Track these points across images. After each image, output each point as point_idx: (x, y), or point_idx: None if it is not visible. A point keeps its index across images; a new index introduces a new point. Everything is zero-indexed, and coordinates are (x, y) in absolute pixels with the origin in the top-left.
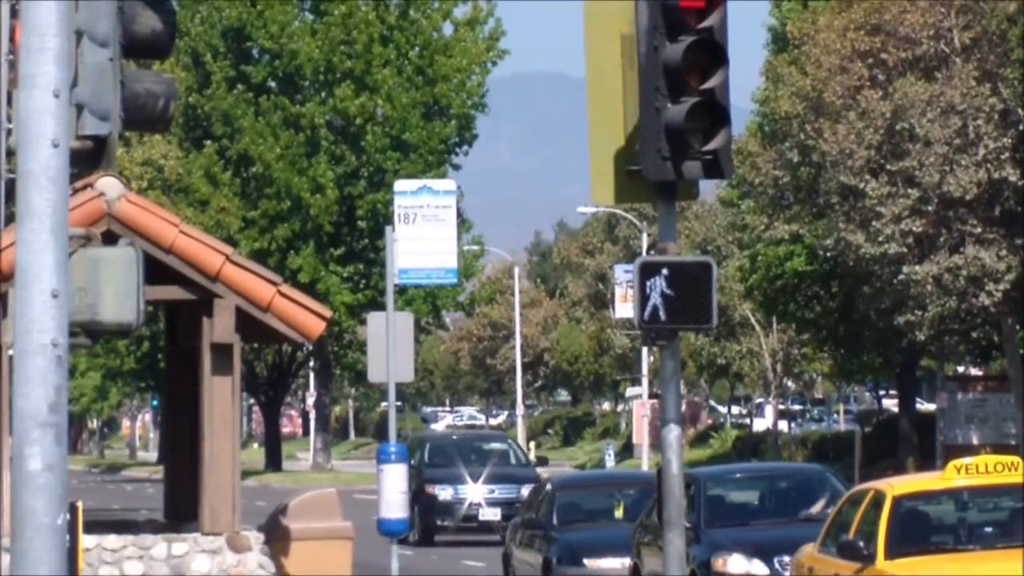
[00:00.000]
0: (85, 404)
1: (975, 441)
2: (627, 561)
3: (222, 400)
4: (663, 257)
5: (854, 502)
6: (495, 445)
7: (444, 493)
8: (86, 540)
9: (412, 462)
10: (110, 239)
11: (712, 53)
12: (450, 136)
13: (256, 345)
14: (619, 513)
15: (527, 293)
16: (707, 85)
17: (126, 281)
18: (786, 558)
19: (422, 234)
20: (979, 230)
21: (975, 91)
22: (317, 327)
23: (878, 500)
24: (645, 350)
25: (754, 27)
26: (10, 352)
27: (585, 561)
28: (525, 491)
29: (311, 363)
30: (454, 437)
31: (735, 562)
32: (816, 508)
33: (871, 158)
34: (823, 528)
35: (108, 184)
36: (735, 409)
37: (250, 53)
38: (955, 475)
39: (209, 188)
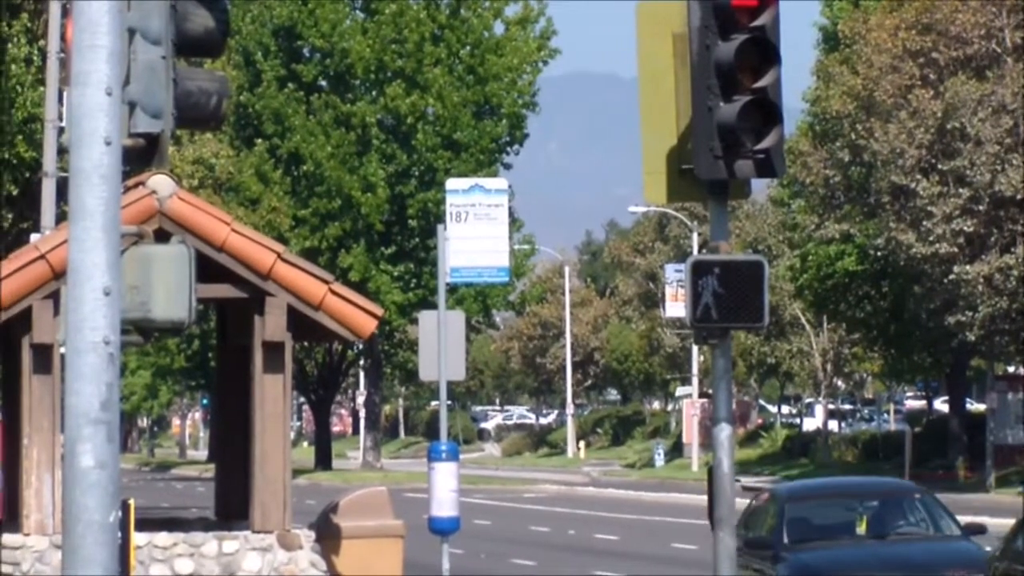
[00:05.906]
0: (135, 403)
1: None
2: None
3: (273, 398)
4: (715, 256)
5: None
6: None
7: None
8: (137, 538)
9: None
10: (162, 237)
11: (764, 51)
12: (501, 135)
13: (307, 343)
14: (861, 529)
15: (577, 292)
16: (759, 84)
17: (178, 279)
18: None
19: (474, 232)
20: None
21: None
22: (368, 325)
23: None
24: (695, 349)
25: (805, 26)
26: (62, 350)
27: None
28: None
29: (361, 362)
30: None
31: None
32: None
33: (922, 157)
34: None
35: (160, 182)
36: (785, 409)
37: (301, 52)
38: None
39: (260, 187)
